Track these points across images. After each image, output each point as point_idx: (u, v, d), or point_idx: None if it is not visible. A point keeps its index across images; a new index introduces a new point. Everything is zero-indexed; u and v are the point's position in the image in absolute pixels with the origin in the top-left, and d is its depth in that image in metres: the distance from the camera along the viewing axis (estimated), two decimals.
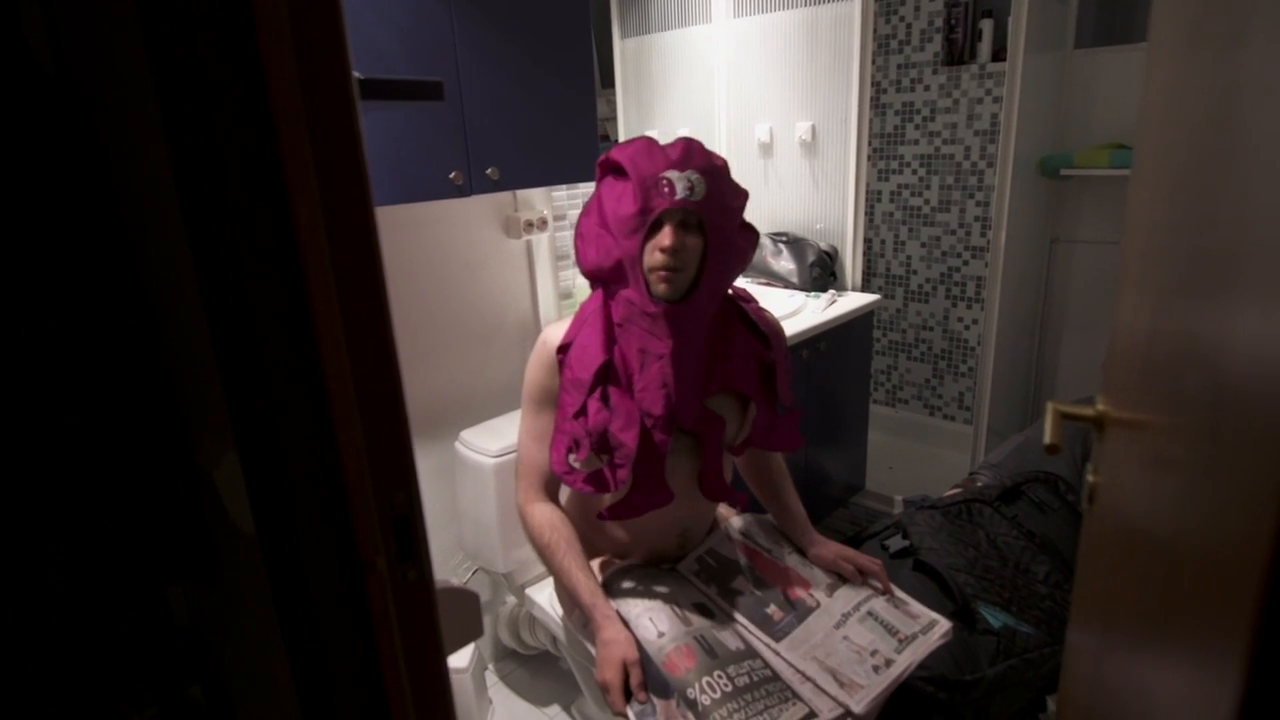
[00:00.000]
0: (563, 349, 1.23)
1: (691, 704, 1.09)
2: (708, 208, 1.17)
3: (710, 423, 1.24)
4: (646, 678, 1.12)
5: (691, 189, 1.15)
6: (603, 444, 1.19)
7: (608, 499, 1.26)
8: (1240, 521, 0.39)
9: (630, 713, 1.10)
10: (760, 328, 1.30)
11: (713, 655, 1.17)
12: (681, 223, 1.16)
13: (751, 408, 1.30)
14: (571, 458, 1.21)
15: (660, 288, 1.17)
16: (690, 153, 1.19)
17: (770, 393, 1.29)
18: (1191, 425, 0.51)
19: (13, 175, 0.61)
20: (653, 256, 1.17)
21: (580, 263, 1.24)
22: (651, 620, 1.20)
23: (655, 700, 1.10)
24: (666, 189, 1.15)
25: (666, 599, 1.25)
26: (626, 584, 1.28)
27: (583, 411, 1.19)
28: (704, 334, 1.22)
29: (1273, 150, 0.40)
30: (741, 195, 1.24)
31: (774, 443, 1.33)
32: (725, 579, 1.33)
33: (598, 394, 1.19)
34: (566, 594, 1.25)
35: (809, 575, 1.35)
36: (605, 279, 1.22)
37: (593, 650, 1.21)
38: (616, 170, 1.20)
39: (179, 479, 0.70)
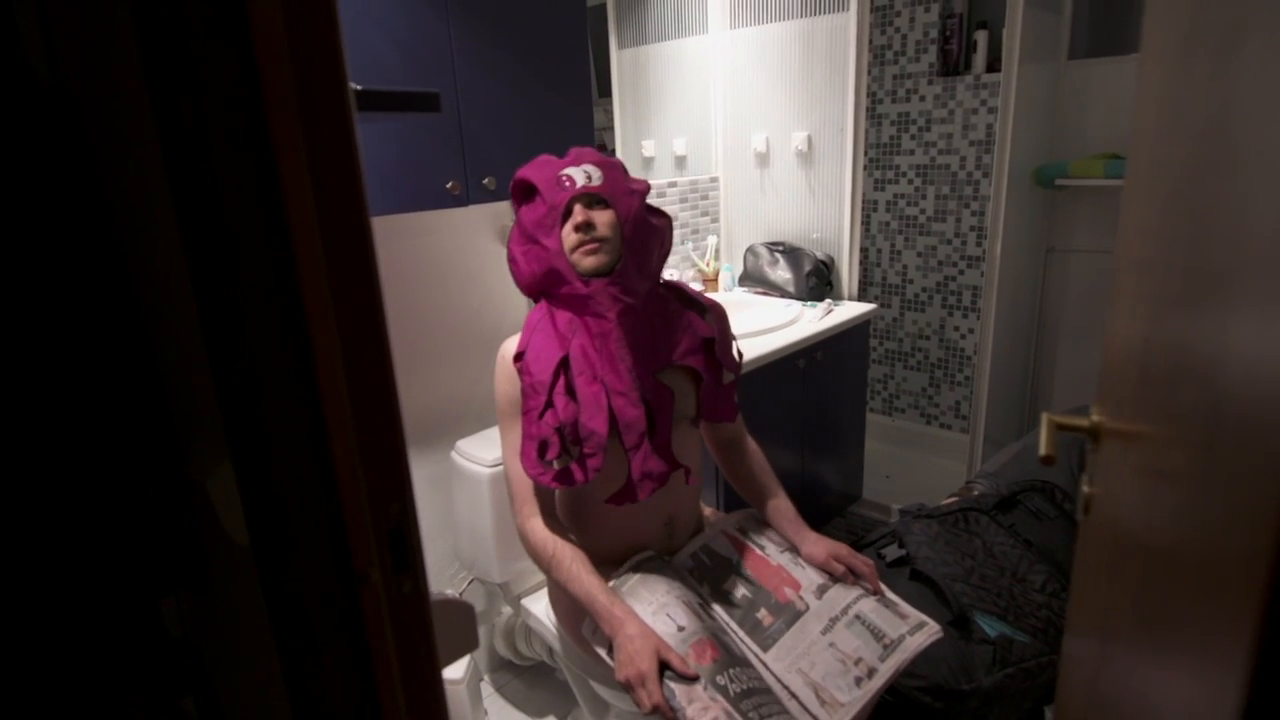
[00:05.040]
0: (518, 357, 1.27)
1: (722, 689, 1.10)
2: (609, 189, 1.26)
3: (661, 394, 1.28)
4: (673, 670, 1.12)
5: (589, 177, 1.26)
6: (574, 436, 1.22)
7: (599, 488, 1.27)
8: (1240, 534, 0.39)
9: (674, 688, 1.09)
10: (699, 301, 1.38)
11: (729, 653, 1.18)
12: (587, 204, 1.25)
13: (699, 381, 1.35)
14: (547, 459, 1.23)
15: (586, 261, 1.24)
16: (582, 153, 1.31)
17: (714, 364, 1.35)
18: (1188, 437, 0.51)
19: (4, 182, 0.60)
20: (570, 238, 1.24)
21: (518, 280, 1.31)
22: (669, 615, 1.20)
23: (678, 686, 1.10)
24: (567, 183, 1.25)
25: (679, 595, 1.25)
26: (635, 585, 1.28)
27: (549, 406, 1.22)
28: (641, 308, 1.28)
29: (1270, 161, 0.40)
30: (643, 184, 1.32)
31: (718, 414, 1.38)
32: (718, 579, 1.34)
33: (561, 388, 1.23)
34: (579, 601, 1.22)
35: (800, 575, 1.35)
36: (544, 287, 1.29)
37: (605, 656, 1.20)
38: (525, 191, 1.30)
39: (172, 490, 0.70)
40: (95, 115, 0.65)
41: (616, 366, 1.23)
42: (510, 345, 1.31)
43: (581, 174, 1.25)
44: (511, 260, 1.31)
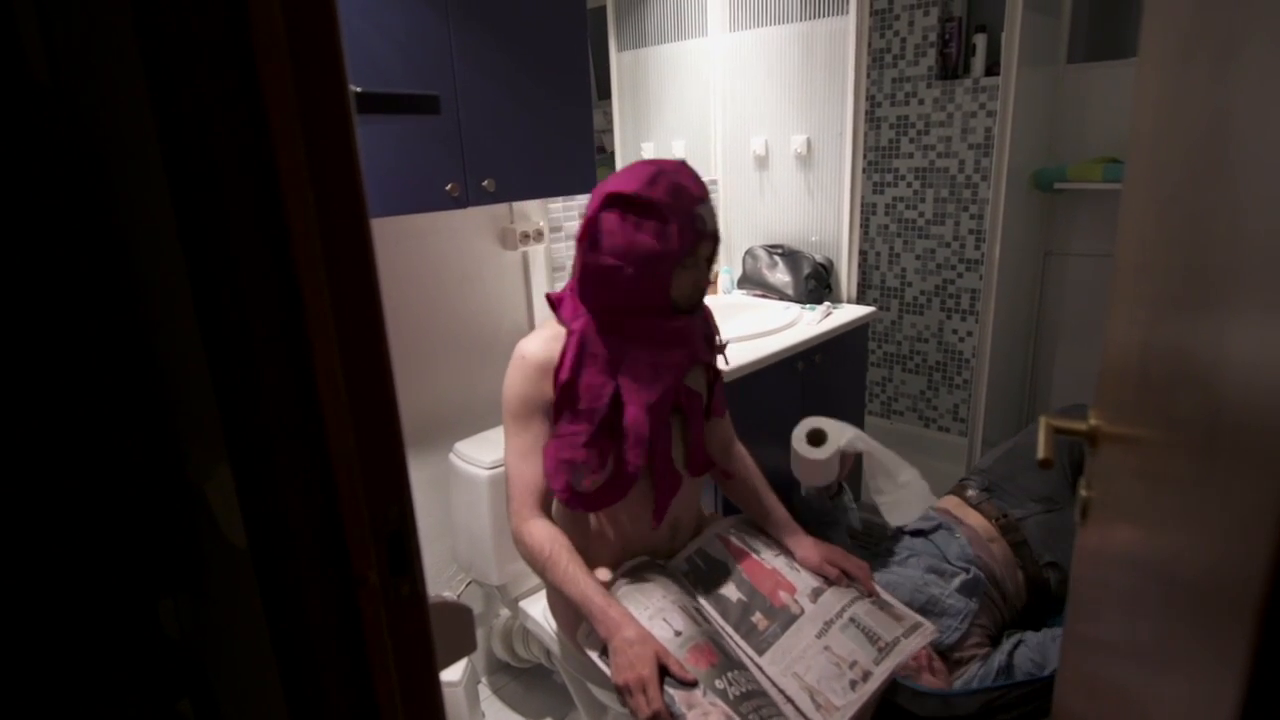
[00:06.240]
0: (566, 384, 1.23)
1: (721, 693, 1.10)
2: (715, 225, 1.28)
3: (691, 398, 1.32)
4: (671, 676, 1.11)
5: (711, 216, 1.26)
6: (609, 462, 1.24)
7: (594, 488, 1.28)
8: (1237, 541, 0.39)
9: (673, 695, 1.08)
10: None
11: (727, 656, 1.17)
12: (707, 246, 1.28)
13: (709, 379, 1.40)
14: (587, 482, 1.24)
15: (693, 300, 1.30)
16: (701, 183, 1.25)
17: (714, 361, 1.41)
18: (1186, 442, 0.51)
19: (6, 186, 0.60)
20: (688, 278, 1.26)
21: (588, 300, 1.25)
22: (666, 620, 1.20)
23: (677, 692, 1.10)
24: (699, 225, 1.23)
25: (674, 600, 1.24)
26: (630, 590, 1.27)
27: (599, 432, 1.23)
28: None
29: (1269, 166, 0.40)
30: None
31: (718, 409, 1.43)
32: (713, 583, 1.34)
33: (607, 416, 1.25)
34: (575, 602, 1.21)
35: (795, 579, 1.35)
36: (616, 313, 1.25)
37: (598, 660, 1.19)
38: (637, 206, 1.18)
39: (170, 492, 0.70)
40: (96, 118, 0.65)
41: (655, 384, 1.25)
42: (530, 346, 1.26)
43: (709, 213, 1.25)
44: (587, 278, 1.24)
